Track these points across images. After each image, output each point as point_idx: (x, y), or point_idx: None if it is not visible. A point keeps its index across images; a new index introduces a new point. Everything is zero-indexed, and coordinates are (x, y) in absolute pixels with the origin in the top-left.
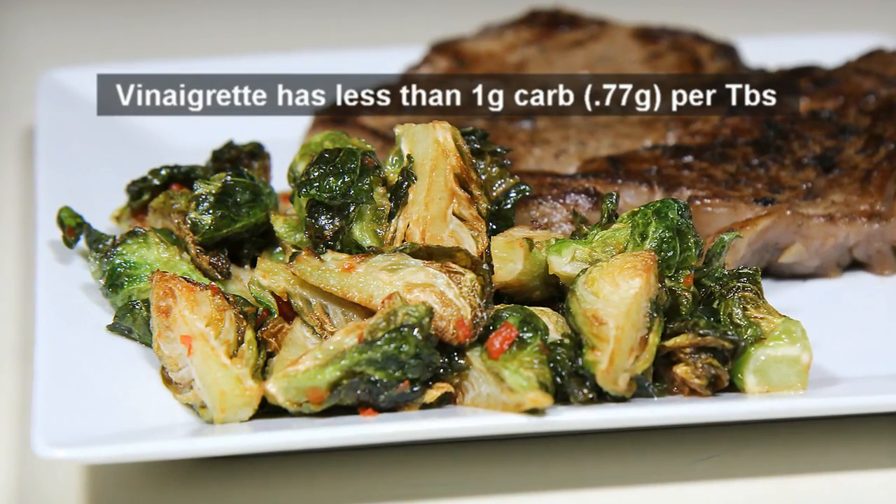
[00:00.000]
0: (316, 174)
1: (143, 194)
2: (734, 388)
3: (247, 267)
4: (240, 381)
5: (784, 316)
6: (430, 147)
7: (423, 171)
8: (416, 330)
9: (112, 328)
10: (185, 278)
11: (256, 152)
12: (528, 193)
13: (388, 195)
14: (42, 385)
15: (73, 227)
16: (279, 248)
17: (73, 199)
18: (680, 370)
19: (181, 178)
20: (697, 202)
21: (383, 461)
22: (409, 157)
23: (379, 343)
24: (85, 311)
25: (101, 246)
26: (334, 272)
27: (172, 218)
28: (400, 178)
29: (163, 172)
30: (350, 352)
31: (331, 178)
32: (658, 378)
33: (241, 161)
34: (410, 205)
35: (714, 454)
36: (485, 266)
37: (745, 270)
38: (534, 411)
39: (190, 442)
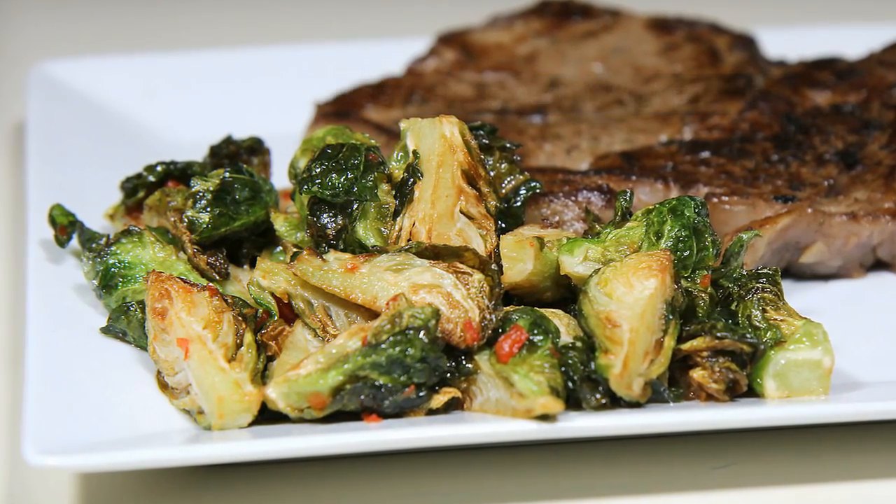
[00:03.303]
0: (318, 170)
1: (137, 191)
2: (753, 392)
3: (246, 267)
4: (238, 385)
5: (805, 318)
6: (436, 142)
7: (430, 168)
8: (422, 333)
9: (106, 331)
10: (181, 279)
11: (256, 148)
12: (538, 190)
13: (393, 192)
14: (33, 390)
15: (65, 226)
16: (279, 248)
17: (65, 196)
18: (697, 374)
19: (178, 174)
20: (715, 200)
21: (388, 469)
22: (414, 152)
23: (383, 346)
24: (77, 313)
25: (94, 245)
26: (337, 272)
27: (168, 216)
28: (405, 174)
29: (158, 168)
30: (353, 355)
31: (333, 175)
32: (674, 382)
33: (240, 157)
34: (416, 202)
35: (732, 462)
36: (493, 266)
37: (765, 271)
38: (544, 417)
39: (187, 449)
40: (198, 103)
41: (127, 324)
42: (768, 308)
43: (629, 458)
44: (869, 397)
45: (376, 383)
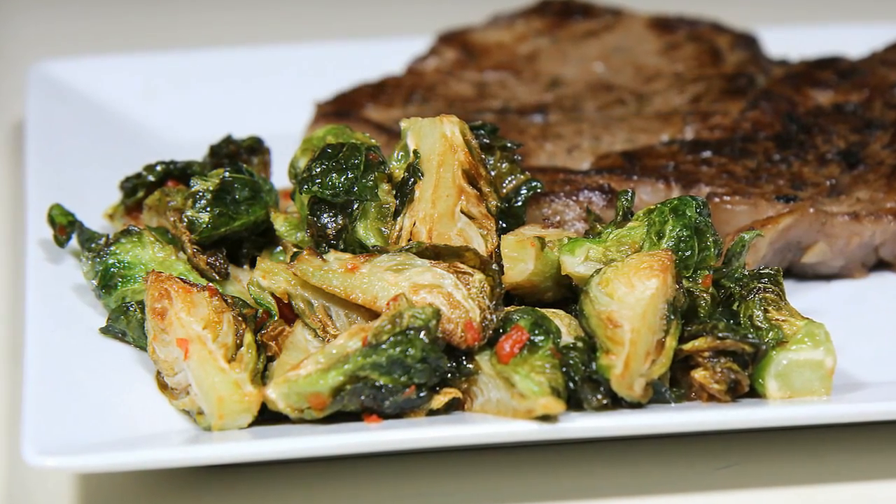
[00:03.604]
0: (318, 170)
1: (137, 191)
2: (755, 393)
3: (246, 267)
4: (238, 386)
5: (807, 318)
6: (437, 142)
7: (431, 167)
8: (422, 333)
9: (105, 331)
10: (181, 279)
11: (256, 147)
12: (539, 190)
13: (394, 192)
14: (32, 390)
15: (64, 226)
16: (279, 248)
17: (64, 196)
18: (698, 375)
19: (177, 174)
20: (717, 199)
21: (388, 469)
22: (415, 152)
23: (384, 347)
24: (77, 313)
25: (93, 245)
26: (337, 272)
27: (168, 216)
28: (406, 174)
29: (158, 168)
30: (353, 356)
31: (334, 175)
32: (675, 383)
33: (239, 156)
34: (417, 202)
35: (735, 462)
36: (494, 266)
37: (767, 271)
38: (546, 418)
39: (187, 450)
40: (198, 103)
41: (126, 324)
42: (770, 308)
43: (630, 459)
44: (871, 398)
45: (377, 384)
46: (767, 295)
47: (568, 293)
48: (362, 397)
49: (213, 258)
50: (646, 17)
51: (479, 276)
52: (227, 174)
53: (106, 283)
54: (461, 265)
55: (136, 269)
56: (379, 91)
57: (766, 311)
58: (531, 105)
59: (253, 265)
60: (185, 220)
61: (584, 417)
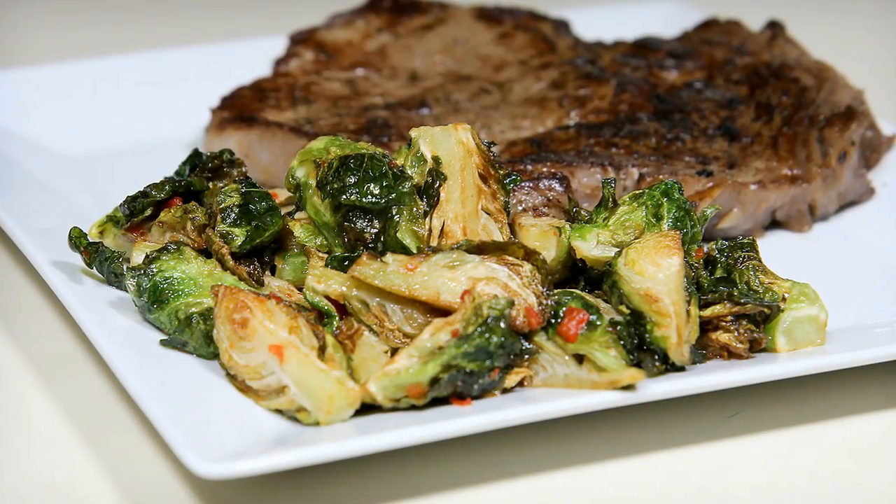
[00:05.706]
0: (353, 180)
1: (145, 210)
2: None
3: (268, 273)
4: (342, 382)
5: (790, 279)
6: (455, 147)
7: (453, 171)
8: (500, 321)
9: (166, 343)
10: (252, 291)
11: (233, 160)
12: (517, 183)
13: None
14: (158, 406)
15: (87, 247)
16: (295, 251)
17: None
18: (722, 337)
19: (182, 191)
20: (649, 178)
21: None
22: (435, 158)
23: (473, 336)
24: (132, 331)
25: (135, 264)
26: (399, 273)
27: (189, 231)
28: (429, 178)
29: (167, 187)
30: (448, 347)
31: (371, 184)
32: (695, 345)
33: (221, 169)
34: (444, 203)
35: (740, 410)
36: (540, 256)
37: (745, 240)
38: (627, 386)
39: (342, 444)
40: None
41: (190, 335)
42: (759, 274)
43: (647, 419)
44: (866, 343)
45: (467, 370)
46: (752, 262)
47: (569, 274)
48: (459, 383)
49: (251, 267)
50: (470, 8)
51: (528, 266)
52: (244, 189)
53: (156, 298)
54: (508, 258)
55: (185, 283)
56: (261, 94)
57: (756, 276)
58: (410, 99)
59: (273, 272)
60: (220, 234)
61: (658, 383)
